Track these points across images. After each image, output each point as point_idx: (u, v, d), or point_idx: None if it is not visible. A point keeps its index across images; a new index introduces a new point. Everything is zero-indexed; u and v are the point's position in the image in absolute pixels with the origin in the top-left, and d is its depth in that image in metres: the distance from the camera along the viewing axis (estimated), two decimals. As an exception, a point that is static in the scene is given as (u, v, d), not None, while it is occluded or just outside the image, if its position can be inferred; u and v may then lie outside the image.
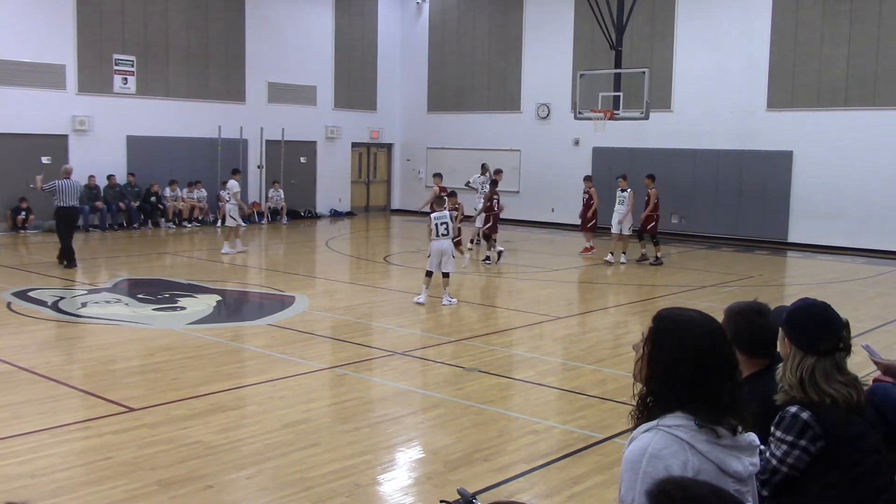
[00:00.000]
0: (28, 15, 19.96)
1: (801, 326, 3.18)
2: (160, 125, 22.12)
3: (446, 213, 12.62)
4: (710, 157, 21.54)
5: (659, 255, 17.06)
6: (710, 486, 1.99)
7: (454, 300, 12.34)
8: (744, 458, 2.36)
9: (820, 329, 3.17)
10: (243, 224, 16.75)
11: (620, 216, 17.25)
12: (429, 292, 12.27)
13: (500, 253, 16.76)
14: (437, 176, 18.52)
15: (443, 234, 12.29)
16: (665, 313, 2.48)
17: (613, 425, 6.96)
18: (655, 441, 2.29)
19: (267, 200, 24.23)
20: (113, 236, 20.22)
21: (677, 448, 2.28)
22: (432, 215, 12.59)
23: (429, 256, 12.40)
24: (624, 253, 17.22)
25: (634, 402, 2.46)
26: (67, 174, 15.33)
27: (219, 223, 16.34)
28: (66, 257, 14.91)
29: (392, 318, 11.47)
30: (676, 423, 2.31)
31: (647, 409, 2.40)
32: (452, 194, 13.93)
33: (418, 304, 12.10)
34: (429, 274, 12.32)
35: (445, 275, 12.31)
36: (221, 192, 18.79)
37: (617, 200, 17.45)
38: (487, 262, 16.55)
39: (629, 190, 17.39)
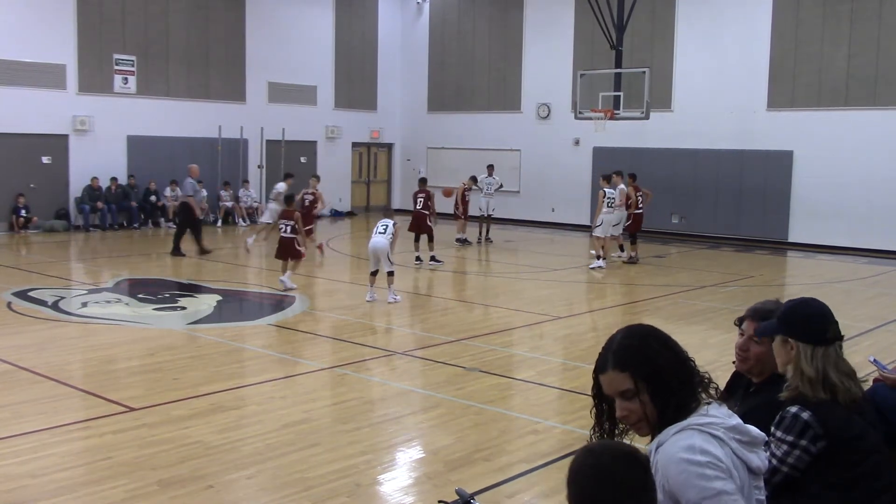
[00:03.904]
0: (28, 15, 19.96)
1: (805, 320, 3.18)
2: (160, 125, 22.12)
3: (390, 221, 12.45)
4: (711, 157, 21.53)
5: (633, 254, 17.27)
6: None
7: (398, 297, 12.26)
8: (760, 452, 2.38)
9: (823, 318, 3.20)
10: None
11: (616, 219, 16.77)
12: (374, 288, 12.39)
13: (417, 258, 16.31)
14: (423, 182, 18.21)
15: (379, 233, 12.24)
16: (626, 357, 2.36)
17: (614, 425, 6.95)
18: (696, 437, 2.28)
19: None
20: (113, 236, 20.22)
21: (718, 443, 2.28)
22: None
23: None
24: (605, 258, 16.50)
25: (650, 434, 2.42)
26: (191, 173, 17.06)
27: (242, 222, 16.87)
28: (200, 248, 16.61)
29: (392, 318, 11.47)
30: (706, 422, 2.31)
31: (668, 424, 2.36)
32: (292, 197, 13.91)
33: (369, 301, 12.16)
34: (373, 273, 12.30)
35: (388, 273, 12.21)
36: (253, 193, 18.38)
37: (607, 203, 16.59)
38: (419, 262, 16.25)
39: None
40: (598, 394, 2.47)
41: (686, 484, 2.21)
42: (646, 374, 2.33)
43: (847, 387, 3.11)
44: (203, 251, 16.58)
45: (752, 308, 3.55)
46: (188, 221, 16.72)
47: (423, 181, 17.65)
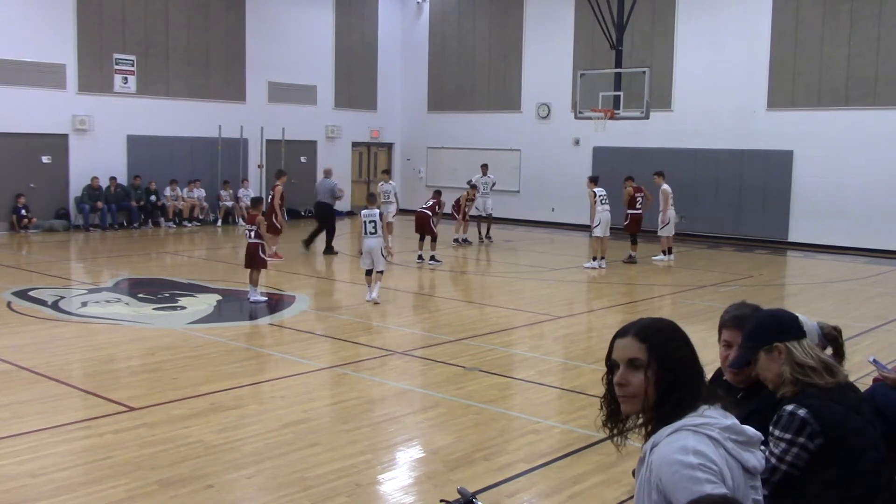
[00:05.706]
0: (28, 15, 19.95)
1: (779, 322, 3.23)
2: (160, 125, 22.12)
3: (376, 211, 12.51)
4: (711, 156, 21.53)
5: (633, 253, 17.31)
6: None
7: (377, 298, 12.27)
8: (756, 452, 2.38)
9: (788, 314, 3.28)
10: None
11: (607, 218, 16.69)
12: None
13: (419, 256, 16.59)
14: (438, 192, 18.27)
15: (370, 233, 12.27)
16: (650, 332, 2.43)
17: (613, 425, 6.94)
18: (690, 439, 2.27)
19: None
20: (113, 236, 20.22)
21: (712, 444, 2.28)
22: (362, 212, 12.58)
23: (361, 254, 12.44)
24: (603, 258, 16.46)
25: (644, 427, 2.42)
26: (326, 174, 18.39)
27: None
28: (327, 247, 17.52)
29: (392, 318, 11.48)
30: (701, 422, 2.30)
31: (662, 422, 2.35)
32: (259, 200, 13.56)
33: (369, 301, 12.14)
34: (368, 273, 12.41)
35: (378, 272, 12.33)
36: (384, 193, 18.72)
37: (600, 200, 16.59)
38: (421, 260, 16.46)
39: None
40: (611, 361, 2.52)
41: (676, 486, 2.21)
42: (661, 357, 2.37)
43: (838, 365, 3.23)
44: (330, 249, 17.62)
45: (730, 316, 3.53)
46: (327, 220, 17.74)
47: (438, 193, 17.91)
